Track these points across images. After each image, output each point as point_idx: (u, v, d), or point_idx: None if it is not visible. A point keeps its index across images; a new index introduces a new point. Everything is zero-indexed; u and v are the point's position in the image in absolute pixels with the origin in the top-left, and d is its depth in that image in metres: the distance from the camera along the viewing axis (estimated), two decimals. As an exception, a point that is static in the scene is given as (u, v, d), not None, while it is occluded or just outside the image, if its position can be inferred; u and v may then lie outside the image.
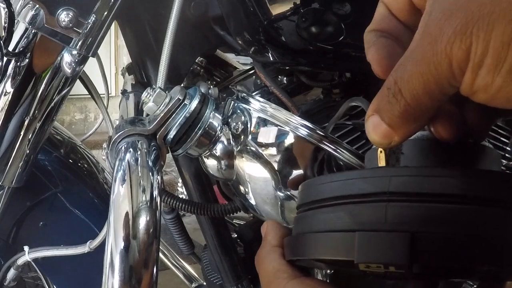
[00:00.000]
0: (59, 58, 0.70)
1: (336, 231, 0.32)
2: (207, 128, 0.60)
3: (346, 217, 0.32)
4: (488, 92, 0.28)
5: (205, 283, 0.93)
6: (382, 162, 0.36)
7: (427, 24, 0.29)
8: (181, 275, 1.15)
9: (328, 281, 0.68)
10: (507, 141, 0.82)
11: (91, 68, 0.77)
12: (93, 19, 0.63)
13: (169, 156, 0.63)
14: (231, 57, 0.93)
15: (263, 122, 0.62)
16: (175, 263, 1.15)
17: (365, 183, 0.32)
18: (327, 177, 0.37)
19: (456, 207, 0.29)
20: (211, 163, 0.64)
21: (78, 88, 0.83)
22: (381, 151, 0.35)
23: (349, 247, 0.30)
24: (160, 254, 1.11)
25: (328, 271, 0.60)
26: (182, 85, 0.72)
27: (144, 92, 0.59)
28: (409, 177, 0.30)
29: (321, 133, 0.59)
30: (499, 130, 0.80)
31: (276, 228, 0.43)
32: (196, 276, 1.14)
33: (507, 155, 0.84)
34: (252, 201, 0.65)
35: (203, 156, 0.64)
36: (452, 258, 0.28)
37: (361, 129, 0.66)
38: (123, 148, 0.56)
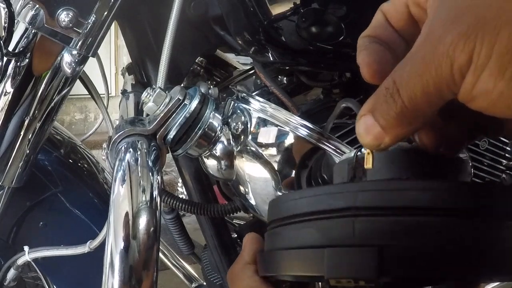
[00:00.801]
0: (59, 58, 0.70)
1: (306, 248, 0.32)
2: (207, 128, 0.60)
3: (315, 233, 0.32)
4: (488, 98, 0.27)
5: (205, 283, 0.93)
6: (369, 164, 0.35)
7: (431, 26, 0.29)
8: (181, 275, 1.15)
9: None
10: (507, 141, 0.82)
11: (91, 68, 0.77)
12: (93, 19, 0.63)
13: (169, 156, 0.63)
14: (231, 57, 0.93)
15: (263, 122, 0.62)
16: (175, 263, 1.15)
17: (332, 199, 0.32)
18: (295, 193, 0.37)
19: (420, 220, 0.29)
20: (211, 163, 0.64)
21: (78, 88, 0.83)
22: (368, 153, 0.35)
23: (319, 263, 0.31)
24: (160, 254, 1.11)
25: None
26: (182, 85, 0.72)
27: (144, 92, 0.59)
28: (375, 192, 0.31)
29: (321, 133, 0.59)
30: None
31: (252, 243, 0.43)
32: (196, 276, 1.14)
33: (507, 155, 0.84)
34: (252, 201, 0.65)
35: (203, 156, 0.64)
36: (420, 270, 0.29)
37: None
38: (123, 148, 0.56)
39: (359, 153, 0.36)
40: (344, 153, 0.58)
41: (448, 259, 0.29)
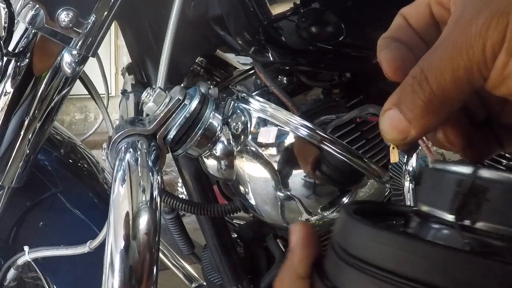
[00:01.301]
0: (59, 58, 0.70)
1: None
2: (207, 128, 0.60)
3: None
4: None
5: (205, 283, 0.93)
6: (394, 158, 0.32)
7: (461, 12, 0.28)
8: (181, 275, 1.15)
9: None
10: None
11: (91, 68, 0.77)
12: (93, 19, 0.63)
13: (169, 156, 0.63)
14: (231, 57, 0.93)
15: (263, 122, 0.62)
16: (175, 263, 1.15)
17: (443, 271, 0.25)
18: (394, 238, 0.28)
19: None
20: (211, 163, 0.64)
21: (78, 88, 0.83)
22: (393, 147, 0.31)
23: None
24: (160, 254, 1.11)
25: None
26: (182, 85, 0.72)
27: (144, 92, 0.59)
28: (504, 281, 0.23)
29: (321, 133, 0.59)
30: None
31: (307, 247, 0.35)
32: (196, 276, 1.14)
33: (507, 155, 0.84)
34: (252, 201, 0.65)
35: (203, 156, 0.64)
36: None
37: (361, 129, 0.66)
38: (123, 148, 0.56)
39: (477, 176, 0.28)
40: (344, 153, 0.58)
41: None
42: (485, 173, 0.28)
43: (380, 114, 0.31)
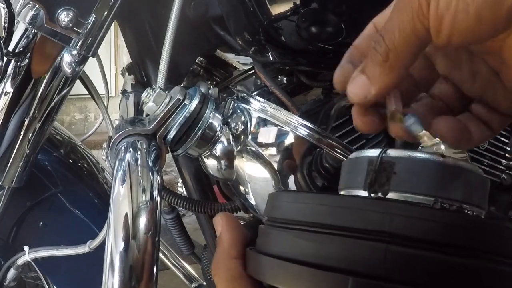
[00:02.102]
0: (59, 58, 0.70)
1: (321, 267, 0.27)
2: (207, 128, 0.60)
3: (337, 253, 0.27)
4: (450, 9, 0.29)
5: (205, 283, 0.93)
6: (395, 131, 0.34)
7: None
8: (181, 275, 1.15)
9: None
10: (507, 141, 0.82)
11: (91, 68, 0.77)
12: (93, 19, 0.63)
13: (169, 156, 0.63)
14: (231, 57, 0.93)
15: (263, 122, 0.62)
16: (175, 263, 1.15)
17: (361, 216, 0.28)
18: (311, 196, 0.32)
19: (466, 261, 0.26)
20: (211, 163, 0.64)
21: (78, 88, 0.83)
22: (390, 118, 0.34)
23: None
24: (160, 254, 1.11)
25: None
26: (182, 85, 0.72)
27: (144, 92, 0.59)
28: (415, 219, 0.27)
29: (321, 133, 0.59)
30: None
31: (232, 229, 0.37)
32: (196, 276, 1.14)
33: (507, 155, 0.84)
34: (252, 201, 0.65)
35: (203, 156, 0.64)
36: None
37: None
38: (123, 148, 0.56)
39: (384, 154, 0.31)
40: (344, 153, 0.58)
41: None
42: (391, 152, 0.31)
43: (351, 78, 0.35)
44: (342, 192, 0.34)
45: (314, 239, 0.29)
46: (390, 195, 0.31)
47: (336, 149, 0.58)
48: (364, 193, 0.32)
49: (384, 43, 0.32)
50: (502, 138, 0.82)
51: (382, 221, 0.27)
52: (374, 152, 0.32)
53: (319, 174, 0.59)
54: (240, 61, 0.94)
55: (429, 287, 0.26)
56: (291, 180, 0.61)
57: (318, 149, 0.59)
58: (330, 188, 0.59)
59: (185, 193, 0.84)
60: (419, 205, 0.30)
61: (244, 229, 0.37)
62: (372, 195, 0.31)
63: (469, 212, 0.31)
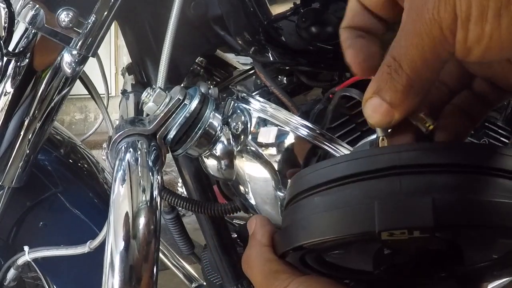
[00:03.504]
0: (59, 58, 0.70)
1: (348, 207, 0.30)
2: (207, 128, 0.60)
3: (357, 194, 0.31)
4: (481, 44, 0.28)
5: (205, 283, 0.93)
6: None
7: (412, 0, 0.31)
8: (181, 275, 1.15)
9: None
10: (507, 141, 0.82)
11: (91, 68, 0.77)
12: (93, 19, 0.63)
13: (169, 156, 0.63)
14: (231, 57, 0.93)
15: (263, 122, 0.62)
16: (175, 263, 1.15)
17: (373, 160, 0.31)
18: (328, 161, 0.34)
19: (462, 175, 0.30)
20: (211, 163, 0.64)
21: (78, 88, 0.83)
22: (382, 139, 0.35)
23: (368, 218, 0.29)
24: (160, 254, 1.11)
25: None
26: (182, 85, 0.72)
27: (144, 92, 0.59)
28: (417, 151, 0.31)
29: (321, 133, 0.59)
30: (499, 130, 0.81)
31: (265, 225, 0.40)
32: (196, 276, 1.14)
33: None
34: (252, 201, 0.65)
35: (203, 156, 0.64)
36: (474, 219, 0.29)
37: (361, 128, 0.66)
38: (123, 148, 0.56)
39: (382, 135, 0.35)
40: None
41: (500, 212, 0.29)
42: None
43: (362, 103, 0.34)
44: None
45: (334, 192, 0.31)
46: None
47: (337, 149, 0.58)
48: None
49: (403, 72, 0.31)
50: (502, 139, 0.82)
51: (392, 159, 0.31)
52: (372, 137, 0.36)
53: None
54: (240, 61, 0.94)
55: (443, 202, 0.29)
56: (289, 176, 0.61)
57: (322, 150, 0.59)
58: None
59: (185, 193, 0.84)
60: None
61: (274, 226, 0.40)
62: None
63: None
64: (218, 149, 0.62)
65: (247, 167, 0.62)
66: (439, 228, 0.29)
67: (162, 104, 0.58)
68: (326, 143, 0.58)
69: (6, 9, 0.63)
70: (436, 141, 0.36)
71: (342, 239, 0.31)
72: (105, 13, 0.63)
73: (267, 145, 0.61)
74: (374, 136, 0.67)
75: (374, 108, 0.33)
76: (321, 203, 0.32)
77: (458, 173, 0.30)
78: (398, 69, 0.31)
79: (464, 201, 0.29)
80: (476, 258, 0.36)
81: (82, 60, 0.69)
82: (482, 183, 0.30)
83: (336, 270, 0.37)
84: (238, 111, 0.63)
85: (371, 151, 0.33)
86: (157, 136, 0.58)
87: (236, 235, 0.84)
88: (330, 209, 0.31)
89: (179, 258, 1.15)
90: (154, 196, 0.54)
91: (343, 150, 0.58)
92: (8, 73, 0.71)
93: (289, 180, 0.38)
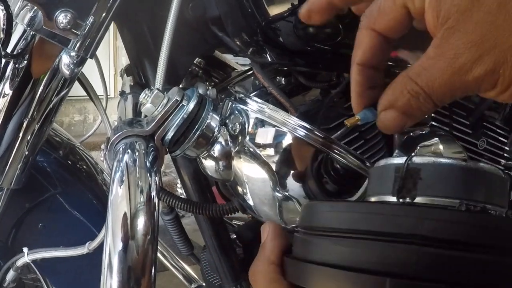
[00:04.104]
0: (57, 60, 0.70)
1: (359, 270, 0.30)
2: (204, 129, 0.60)
3: (371, 256, 0.30)
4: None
5: (204, 284, 0.93)
6: (349, 122, 0.38)
7: (442, 38, 0.34)
8: (180, 276, 1.15)
9: None
10: (505, 140, 0.83)
11: (90, 69, 0.77)
12: (91, 20, 0.63)
13: (168, 157, 0.63)
14: (229, 58, 0.93)
15: (260, 123, 0.62)
16: (175, 264, 1.15)
17: (393, 221, 0.30)
18: (346, 204, 0.34)
19: (495, 259, 0.28)
20: (209, 164, 0.64)
21: (77, 89, 0.84)
22: (357, 118, 0.38)
23: None
24: (160, 255, 1.11)
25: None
26: (180, 86, 0.72)
27: (142, 93, 0.59)
28: (442, 222, 0.29)
29: (318, 134, 0.59)
30: (498, 130, 0.81)
31: (277, 237, 0.40)
32: (196, 277, 1.14)
33: (505, 154, 0.84)
34: (250, 202, 0.65)
35: (201, 157, 0.64)
36: None
37: (359, 129, 0.66)
38: (121, 149, 0.56)
39: (410, 161, 0.33)
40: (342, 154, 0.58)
41: None
42: (417, 159, 0.33)
43: (378, 112, 0.37)
44: (372, 199, 0.36)
45: (351, 245, 0.31)
46: (418, 200, 0.33)
47: (334, 150, 0.58)
48: (393, 199, 0.34)
49: (432, 102, 0.35)
50: (500, 138, 0.82)
51: (415, 225, 0.29)
52: (400, 160, 0.34)
53: (329, 178, 0.59)
54: (239, 62, 0.94)
55: (460, 285, 0.28)
56: (289, 181, 0.61)
57: (324, 153, 0.59)
58: (344, 192, 0.59)
59: (184, 194, 0.84)
60: (446, 208, 0.32)
61: (287, 238, 0.40)
62: (401, 200, 0.33)
63: (492, 212, 0.33)
64: (216, 150, 0.62)
65: (245, 168, 0.62)
66: None
67: (160, 105, 0.58)
68: (324, 144, 0.58)
69: (4, 11, 0.63)
70: (474, 212, 0.32)
71: None
72: (103, 14, 0.63)
73: (264, 146, 0.61)
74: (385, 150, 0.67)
75: (391, 120, 0.37)
76: (335, 254, 0.31)
77: (481, 255, 0.28)
78: (427, 99, 0.35)
79: None
80: None
81: (80, 62, 0.69)
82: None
83: None
84: (236, 112, 0.63)
85: (393, 209, 0.31)
86: (155, 137, 0.58)
87: (235, 236, 0.84)
88: (343, 266, 0.30)
89: (179, 259, 1.16)
90: (152, 197, 0.54)
91: (342, 151, 0.58)
92: (6, 74, 0.71)
93: (304, 204, 0.37)
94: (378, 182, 0.36)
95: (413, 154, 0.34)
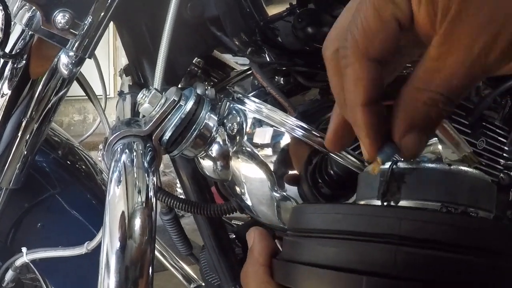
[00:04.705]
0: (56, 60, 0.70)
1: (340, 270, 0.30)
2: (202, 129, 0.60)
3: (352, 255, 0.31)
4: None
5: (203, 284, 0.93)
6: (376, 171, 0.35)
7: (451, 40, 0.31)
8: (179, 276, 1.15)
9: None
10: (505, 140, 0.82)
11: (90, 69, 0.77)
12: (90, 20, 0.63)
13: (168, 156, 0.63)
14: (228, 58, 0.93)
15: (258, 123, 0.62)
16: (174, 264, 1.15)
17: (374, 221, 0.31)
18: (330, 206, 0.35)
19: (469, 259, 0.29)
20: (207, 164, 0.64)
21: (77, 89, 0.84)
22: (377, 161, 0.35)
23: None
24: (159, 255, 1.11)
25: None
26: (179, 86, 0.72)
27: (140, 93, 0.59)
28: (421, 222, 0.30)
29: (316, 134, 0.59)
30: (497, 130, 0.81)
31: (263, 240, 0.41)
32: (195, 276, 1.14)
33: (505, 154, 0.84)
34: (248, 202, 0.65)
35: (199, 157, 0.64)
36: None
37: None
38: (118, 149, 0.56)
39: (395, 166, 0.34)
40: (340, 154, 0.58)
41: None
42: (401, 164, 0.34)
43: (398, 142, 0.34)
44: (360, 203, 0.37)
45: (334, 245, 0.32)
46: (402, 203, 0.34)
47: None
48: (378, 203, 0.34)
49: (451, 101, 0.32)
50: (500, 138, 0.82)
51: (392, 225, 0.30)
52: (386, 165, 0.35)
53: (324, 183, 0.59)
54: (238, 62, 0.94)
55: (435, 284, 0.28)
56: (287, 181, 0.61)
57: (320, 156, 0.59)
58: (339, 196, 0.59)
59: (183, 194, 0.84)
60: (424, 209, 0.33)
61: (273, 242, 0.41)
62: (385, 203, 0.34)
63: (473, 214, 0.33)
64: (214, 150, 0.62)
65: (243, 168, 0.62)
66: None
67: (158, 105, 0.58)
68: (321, 145, 0.58)
69: (2, 11, 0.63)
70: (451, 213, 0.33)
71: None
72: (102, 14, 0.63)
73: (262, 146, 0.61)
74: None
75: (415, 142, 0.33)
76: (319, 254, 0.33)
77: (456, 255, 0.29)
78: (446, 101, 0.32)
79: None
80: None
81: (79, 62, 0.69)
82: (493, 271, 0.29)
83: None
84: (234, 112, 0.63)
85: (374, 210, 0.32)
86: (153, 137, 0.58)
87: (234, 236, 0.84)
88: (325, 265, 0.31)
89: (178, 259, 1.15)
90: (150, 197, 0.54)
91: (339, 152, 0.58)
92: (5, 74, 0.71)
93: (293, 208, 0.38)
94: (365, 186, 0.37)
95: (399, 159, 0.34)
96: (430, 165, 0.34)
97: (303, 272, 0.33)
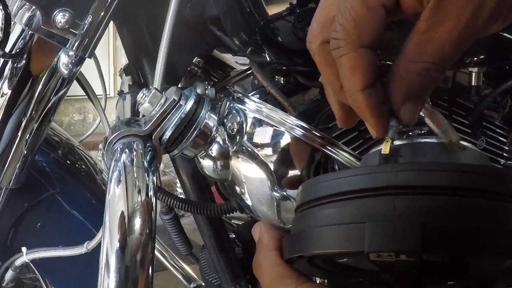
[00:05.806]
0: (56, 59, 0.70)
1: (344, 224, 0.32)
2: (202, 129, 0.60)
3: (354, 211, 0.32)
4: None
5: (203, 284, 0.93)
6: (386, 150, 0.37)
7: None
8: (179, 276, 1.15)
9: None
10: (505, 140, 0.82)
11: (90, 68, 0.77)
12: (90, 20, 0.63)
13: (168, 156, 0.63)
14: (228, 57, 0.93)
15: (258, 123, 0.62)
16: (174, 264, 1.15)
17: (371, 178, 0.32)
18: (332, 174, 0.36)
19: (460, 200, 0.30)
20: (206, 164, 0.64)
21: (77, 89, 0.84)
22: (387, 140, 0.36)
23: (358, 238, 0.31)
24: (159, 255, 1.11)
25: (320, 280, 0.58)
26: (179, 85, 0.72)
27: (140, 93, 0.59)
28: (414, 172, 0.31)
29: (316, 134, 0.59)
30: (497, 130, 0.81)
31: (270, 230, 0.41)
32: (195, 276, 1.14)
33: (505, 154, 0.84)
34: (248, 202, 0.65)
35: (199, 157, 0.64)
36: (461, 248, 0.30)
37: (358, 128, 0.66)
38: (118, 149, 0.56)
39: (393, 144, 0.36)
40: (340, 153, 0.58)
41: (486, 239, 0.30)
42: (397, 142, 0.37)
43: (397, 113, 0.36)
44: None
45: (336, 206, 0.33)
46: None
47: (332, 150, 0.58)
48: None
49: (442, 67, 0.33)
50: (500, 138, 0.82)
51: (389, 178, 0.31)
52: (382, 146, 0.37)
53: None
54: (238, 62, 0.94)
55: (433, 227, 0.30)
56: (287, 185, 0.61)
57: (321, 155, 0.59)
58: None
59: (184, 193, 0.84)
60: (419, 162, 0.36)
61: (279, 230, 0.42)
62: None
63: None
64: (214, 149, 0.62)
65: (243, 168, 0.62)
66: (426, 253, 0.29)
67: (158, 105, 0.58)
68: (322, 144, 0.58)
69: (2, 10, 0.63)
70: (436, 162, 0.36)
71: (339, 253, 0.33)
72: (102, 14, 0.63)
73: (262, 146, 0.61)
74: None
75: (412, 110, 0.35)
76: (323, 216, 0.34)
77: (452, 197, 0.31)
78: (438, 69, 0.33)
79: (455, 228, 0.30)
80: (485, 268, 0.36)
81: (79, 61, 0.69)
82: (476, 209, 0.31)
83: (346, 270, 0.38)
84: (234, 111, 0.63)
85: (371, 169, 0.34)
86: (153, 137, 0.58)
87: (234, 236, 0.84)
88: (330, 224, 0.33)
89: (178, 259, 1.16)
90: (150, 196, 0.54)
91: (340, 151, 0.58)
92: (5, 74, 0.71)
93: (299, 187, 0.39)
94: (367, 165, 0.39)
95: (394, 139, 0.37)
96: (423, 139, 0.37)
97: (309, 235, 0.34)
